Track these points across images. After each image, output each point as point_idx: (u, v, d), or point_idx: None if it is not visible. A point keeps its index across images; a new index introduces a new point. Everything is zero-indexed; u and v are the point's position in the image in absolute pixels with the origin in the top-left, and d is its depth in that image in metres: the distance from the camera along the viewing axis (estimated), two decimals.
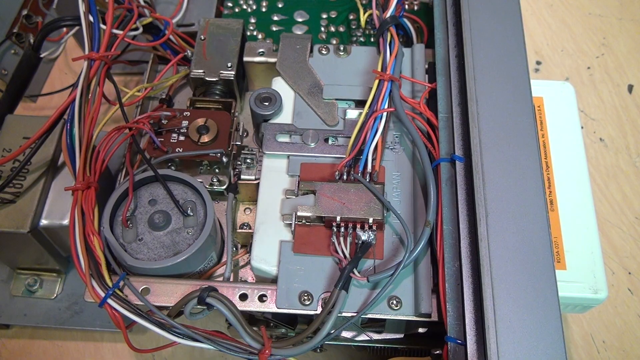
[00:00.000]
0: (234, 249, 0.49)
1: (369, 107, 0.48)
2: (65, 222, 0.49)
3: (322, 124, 0.50)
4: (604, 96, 0.72)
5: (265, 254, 0.45)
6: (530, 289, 0.37)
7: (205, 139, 0.49)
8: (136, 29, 0.54)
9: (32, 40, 0.58)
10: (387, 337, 0.47)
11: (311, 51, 0.54)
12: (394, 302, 0.42)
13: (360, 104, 0.51)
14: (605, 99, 0.72)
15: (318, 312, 0.42)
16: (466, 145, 0.44)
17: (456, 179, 0.43)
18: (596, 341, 0.57)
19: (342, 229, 0.44)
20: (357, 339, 0.48)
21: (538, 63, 0.75)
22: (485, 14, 0.49)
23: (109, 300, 0.41)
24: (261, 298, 0.43)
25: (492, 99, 0.44)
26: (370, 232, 0.43)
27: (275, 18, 0.64)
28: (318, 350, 0.50)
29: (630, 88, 0.73)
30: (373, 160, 0.46)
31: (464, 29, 0.48)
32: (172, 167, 0.49)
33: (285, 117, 0.50)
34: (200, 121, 0.50)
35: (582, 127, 0.68)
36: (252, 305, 0.43)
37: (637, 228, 0.63)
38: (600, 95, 0.72)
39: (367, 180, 0.45)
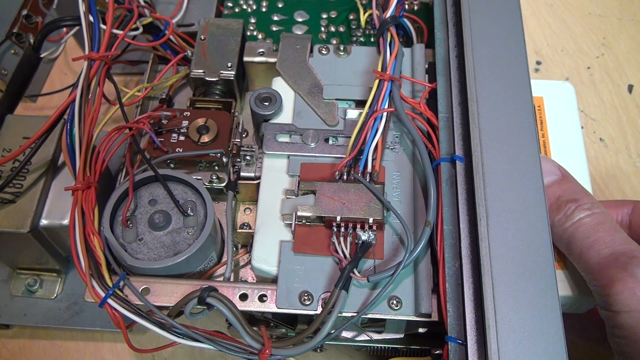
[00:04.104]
0: (234, 249, 0.49)
1: (369, 107, 0.48)
2: (65, 222, 0.49)
3: (322, 124, 0.50)
4: (604, 96, 0.72)
5: (266, 254, 0.45)
6: (531, 289, 0.37)
7: (206, 139, 0.49)
8: (136, 29, 0.54)
9: (32, 40, 0.58)
10: (387, 337, 0.47)
11: (311, 51, 0.54)
12: (394, 302, 0.42)
13: (360, 104, 0.51)
14: (605, 99, 0.72)
15: (318, 312, 0.42)
16: (466, 145, 0.44)
17: (456, 178, 0.43)
18: None
19: (342, 229, 0.44)
20: (357, 339, 0.48)
21: (538, 63, 0.75)
22: (486, 13, 0.49)
23: (109, 300, 0.41)
24: (261, 298, 0.43)
25: (493, 98, 0.44)
26: (370, 232, 0.43)
27: (275, 18, 0.64)
28: (318, 350, 0.50)
29: (630, 88, 0.73)
30: (373, 160, 0.46)
31: (464, 29, 0.48)
32: (171, 165, 0.49)
33: (285, 117, 0.50)
34: (200, 121, 0.50)
35: (582, 127, 0.68)
36: (253, 305, 0.43)
37: None
38: (600, 95, 0.72)
39: (367, 180, 0.45)
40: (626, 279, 0.37)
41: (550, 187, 0.43)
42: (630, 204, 0.46)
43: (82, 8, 0.48)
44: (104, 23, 0.49)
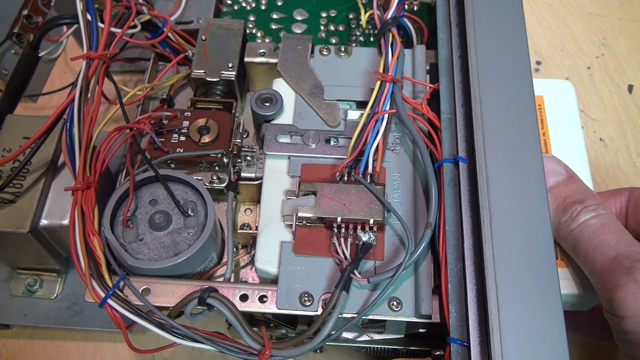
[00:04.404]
0: (235, 249, 0.49)
1: (371, 108, 0.48)
2: (65, 222, 0.49)
3: (324, 124, 0.50)
4: (604, 96, 0.72)
5: (269, 255, 0.45)
6: (535, 291, 0.37)
7: (206, 139, 0.49)
8: (134, 26, 0.54)
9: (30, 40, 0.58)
10: (388, 338, 0.47)
11: (312, 52, 0.54)
12: (395, 303, 0.42)
13: (361, 104, 0.51)
14: (605, 99, 0.72)
15: (318, 313, 0.42)
16: (470, 146, 0.44)
17: (459, 179, 0.43)
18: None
19: (343, 230, 0.44)
20: (357, 340, 0.48)
21: (538, 63, 0.75)
22: (489, 15, 0.48)
23: (109, 301, 0.41)
24: (262, 299, 0.43)
25: (496, 100, 0.44)
26: (370, 233, 0.43)
27: (275, 16, 0.64)
28: (318, 351, 0.50)
29: (630, 88, 0.73)
30: (374, 161, 0.46)
31: (467, 30, 0.48)
32: (172, 165, 0.49)
33: (286, 117, 0.50)
34: (201, 121, 0.49)
35: (582, 127, 0.68)
36: (253, 306, 0.43)
37: None
38: (600, 95, 0.72)
39: (368, 181, 0.45)
40: (630, 284, 0.37)
41: (556, 187, 0.43)
42: (626, 192, 0.46)
43: (79, 6, 0.48)
44: (102, 21, 0.49)
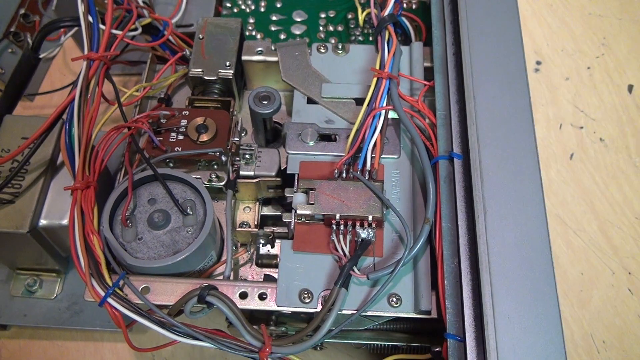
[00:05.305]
0: (234, 247, 0.49)
1: (368, 105, 0.48)
2: (65, 222, 0.48)
3: (321, 122, 0.50)
4: (604, 96, 0.72)
5: None
6: (529, 285, 0.37)
7: (204, 137, 0.49)
8: (135, 29, 0.54)
9: (30, 41, 0.58)
10: (388, 328, 0.47)
11: (310, 53, 0.54)
12: (394, 299, 0.42)
13: (359, 102, 0.51)
14: (605, 99, 0.72)
15: (318, 309, 0.42)
16: (464, 142, 0.44)
17: (454, 176, 0.43)
18: (596, 341, 0.57)
19: (342, 227, 0.44)
20: (358, 338, 0.48)
21: (538, 63, 0.75)
22: (482, 11, 0.49)
23: (109, 299, 0.41)
24: (261, 296, 0.43)
25: (490, 96, 0.44)
26: (369, 230, 0.43)
27: (274, 18, 0.64)
28: (318, 347, 0.50)
29: (630, 88, 0.73)
30: (372, 158, 0.46)
31: (461, 27, 0.48)
32: (171, 164, 0.49)
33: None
34: (199, 120, 0.50)
35: (582, 127, 0.69)
36: (252, 304, 0.43)
37: (637, 228, 0.63)
38: (600, 95, 0.72)
39: (367, 178, 0.45)
40: None
41: None
42: None
43: (81, 8, 0.49)
44: (103, 23, 0.49)
